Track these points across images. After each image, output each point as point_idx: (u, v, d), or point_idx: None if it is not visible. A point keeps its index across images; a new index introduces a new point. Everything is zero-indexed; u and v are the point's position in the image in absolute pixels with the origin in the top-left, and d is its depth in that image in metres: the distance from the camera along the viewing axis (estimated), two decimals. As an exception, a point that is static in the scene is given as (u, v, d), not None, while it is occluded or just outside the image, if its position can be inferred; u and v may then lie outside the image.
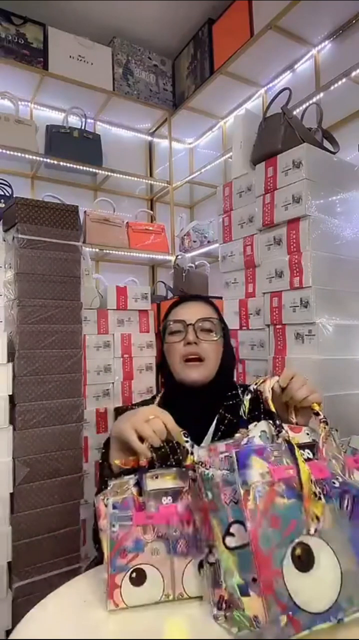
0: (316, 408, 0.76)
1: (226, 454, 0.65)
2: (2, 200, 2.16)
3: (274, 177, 1.49)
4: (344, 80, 1.87)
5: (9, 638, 0.64)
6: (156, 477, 0.74)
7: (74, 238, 1.51)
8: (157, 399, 1.07)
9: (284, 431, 0.68)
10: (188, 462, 0.74)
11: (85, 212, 2.39)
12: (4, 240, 1.52)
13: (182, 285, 2.48)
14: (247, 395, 0.75)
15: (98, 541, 0.79)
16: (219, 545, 0.63)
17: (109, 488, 0.73)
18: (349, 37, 1.97)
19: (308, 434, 0.72)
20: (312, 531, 0.60)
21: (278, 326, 1.48)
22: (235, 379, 1.65)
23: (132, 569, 0.69)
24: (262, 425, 0.70)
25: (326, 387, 1.32)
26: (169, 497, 0.73)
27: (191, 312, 1.04)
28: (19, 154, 2.30)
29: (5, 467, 1.33)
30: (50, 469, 1.41)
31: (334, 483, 0.65)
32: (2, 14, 2.37)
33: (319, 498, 0.62)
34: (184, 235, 2.72)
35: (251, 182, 1.62)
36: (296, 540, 0.59)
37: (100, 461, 0.97)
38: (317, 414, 0.75)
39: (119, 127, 2.93)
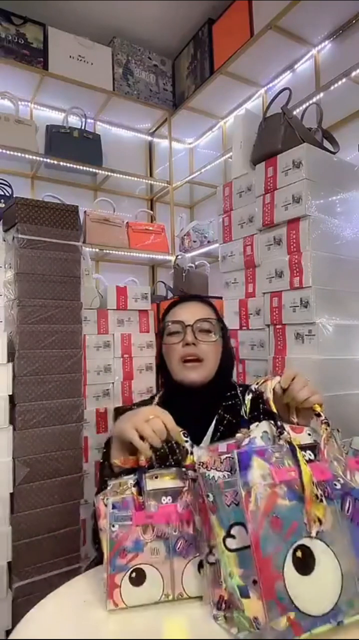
0: (318, 409, 0.76)
1: (228, 455, 0.65)
2: (2, 200, 2.16)
3: (274, 177, 1.49)
4: (344, 80, 1.87)
5: (9, 638, 0.64)
6: (156, 477, 0.74)
7: (74, 238, 1.51)
8: (156, 399, 1.07)
9: (286, 432, 0.68)
10: (188, 462, 0.74)
11: (85, 212, 2.39)
12: (4, 240, 1.52)
13: (182, 285, 2.48)
14: (248, 395, 0.75)
15: (98, 541, 0.79)
16: (220, 547, 0.63)
17: (108, 488, 0.73)
18: (349, 37, 1.97)
19: (309, 434, 0.72)
20: (313, 534, 0.60)
21: (278, 326, 1.48)
22: (235, 379, 1.66)
23: (131, 569, 0.69)
24: (264, 425, 0.70)
25: (326, 387, 1.32)
26: (169, 497, 0.73)
27: (190, 312, 1.04)
28: (19, 154, 2.30)
29: (5, 467, 1.33)
30: (50, 469, 1.41)
31: (335, 485, 0.65)
32: (2, 14, 2.37)
33: (321, 500, 0.62)
34: (184, 235, 2.72)
35: (251, 182, 1.62)
36: (297, 543, 0.59)
37: (101, 461, 0.97)
38: (318, 415, 0.75)
39: (119, 127, 2.92)
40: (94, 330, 1.84)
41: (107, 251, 2.48)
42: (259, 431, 0.69)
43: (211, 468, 0.66)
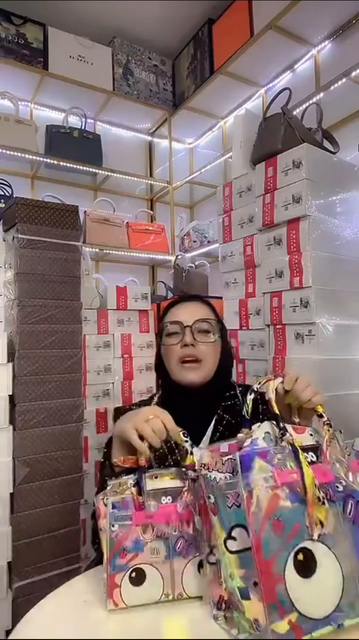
0: (320, 410, 0.75)
1: (229, 456, 0.64)
2: (2, 200, 2.16)
3: (274, 177, 1.49)
4: (344, 80, 1.87)
5: (9, 638, 0.64)
6: (156, 477, 0.75)
7: (74, 238, 1.51)
8: (155, 399, 1.07)
9: (288, 434, 0.67)
10: (188, 461, 0.74)
11: (85, 212, 2.39)
12: (4, 240, 1.52)
13: (182, 285, 2.48)
14: (250, 395, 0.74)
15: (97, 541, 0.79)
16: (221, 548, 0.63)
17: (108, 488, 0.73)
18: (349, 37, 1.97)
19: (311, 434, 0.71)
20: (315, 537, 0.60)
21: (278, 326, 1.48)
22: (235, 379, 1.66)
23: (131, 569, 0.69)
24: (266, 426, 0.69)
25: (326, 387, 1.32)
26: (169, 497, 0.73)
27: (188, 312, 1.03)
28: (19, 154, 2.30)
29: (5, 467, 1.33)
30: (50, 469, 1.41)
31: (337, 487, 0.64)
32: (2, 14, 2.37)
33: (323, 503, 0.61)
34: (184, 235, 2.72)
35: (251, 182, 1.62)
36: (299, 546, 0.59)
37: (102, 460, 0.97)
38: (321, 416, 0.74)
39: (119, 127, 2.92)
40: (94, 330, 1.84)
41: (107, 251, 2.48)
42: (261, 432, 0.68)
43: (212, 469, 0.66)
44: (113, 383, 1.87)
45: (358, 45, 1.93)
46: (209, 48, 2.52)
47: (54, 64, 2.44)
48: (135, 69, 2.74)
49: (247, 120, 1.76)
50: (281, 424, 0.69)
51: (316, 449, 0.68)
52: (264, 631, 0.56)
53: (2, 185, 2.23)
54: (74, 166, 2.48)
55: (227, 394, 1.03)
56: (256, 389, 0.76)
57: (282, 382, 0.78)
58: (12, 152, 2.28)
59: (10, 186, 2.25)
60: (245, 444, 0.66)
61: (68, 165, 2.47)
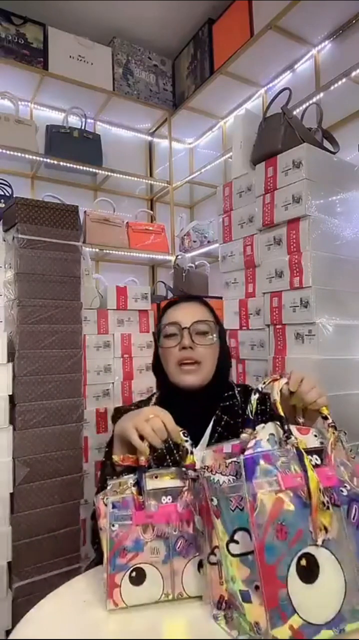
0: (325, 412, 0.75)
1: (233, 459, 0.64)
2: (2, 200, 2.16)
3: (274, 177, 1.49)
4: (344, 80, 1.87)
5: (9, 638, 0.64)
6: (156, 477, 0.75)
7: (74, 238, 1.51)
8: (154, 399, 1.07)
9: (293, 437, 0.67)
10: (188, 461, 0.74)
11: (85, 212, 2.39)
12: (4, 240, 1.52)
13: (182, 285, 2.48)
14: (254, 395, 0.74)
15: (97, 541, 0.79)
16: (223, 551, 0.62)
17: (108, 487, 0.73)
18: (349, 37, 1.97)
19: (315, 435, 0.70)
20: (319, 542, 0.59)
21: (278, 326, 1.48)
22: (235, 379, 1.66)
23: (131, 569, 0.69)
24: (270, 427, 0.68)
25: (326, 387, 1.31)
26: (169, 497, 0.73)
27: (186, 313, 1.02)
28: (19, 154, 2.30)
29: (5, 467, 1.33)
30: (50, 469, 1.41)
31: (342, 491, 0.64)
32: (2, 14, 2.37)
33: (328, 508, 0.61)
34: (184, 235, 2.72)
35: (251, 182, 1.62)
36: (302, 551, 0.59)
37: (103, 459, 0.97)
38: (326, 417, 0.74)
39: (119, 127, 2.92)
40: (94, 330, 1.84)
41: (107, 251, 2.48)
42: (265, 433, 0.67)
43: (215, 472, 0.65)
44: (113, 383, 1.87)
45: (358, 45, 1.93)
46: (209, 48, 2.52)
47: (54, 64, 2.44)
48: (135, 69, 2.74)
49: (247, 120, 1.76)
50: (286, 426, 0.68)
51: (320, 451, 0.68)
52: (264, 635, 0.56)
53: (2, 185, 2.23)
54: (74, 166, 2.48)
55: (226, 394, 1.03)
56: (260, 389, 0.75)
57: (287, 383, 0.77)
58: (12, 152, 2.28)
59: (10, 186, 2.25)
60: (249, 445, 0.65)
61: (68, 165, 2.47)
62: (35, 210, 1.44)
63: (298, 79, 2.22)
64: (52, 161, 2.41)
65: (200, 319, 1.01)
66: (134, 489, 0.72)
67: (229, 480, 0.63)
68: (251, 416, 0.72)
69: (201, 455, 0.74)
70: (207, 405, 1.00)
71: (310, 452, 0.66)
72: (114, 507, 0.71)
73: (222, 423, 0.98)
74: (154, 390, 1.13)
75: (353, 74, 1.83)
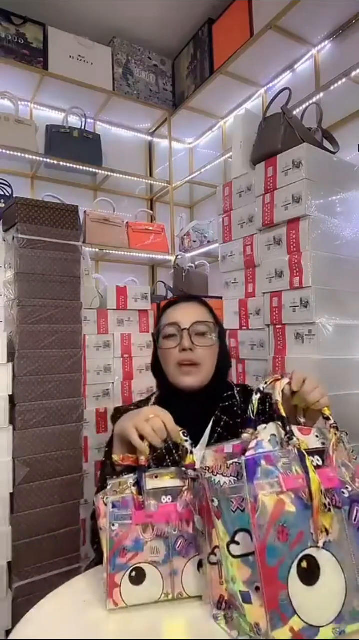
0: (327, 412, 0.74)
1: (235, 460, 0.64)
2: (2, 200, 2.16)
3: (274, 177, 1.49)
4: (344, 80, 1.87)
5: (9, 638, 0.64)
6: (156, 477, 0.75)
7: (74, 238, 1.51)
8: (153, 399, 1.07)
9: (295, 438, 0.66)
10: (188, 461, 0.74)
11: (85, 212, 2.39)
12: (4, 240, 1.52)
13: (182, 285, 2.48)
14: (256, 394, 0.74)
15: (97, 541, 0.79)
16: (224, 552, 0.62)
17: (108, 487, 0.73)
18: (349, 37, 1.97)
19: (317, 436, 0.70)
20: (320, 544, 0.59)
21: (278, 326, 1.48)
22: (235, 379, 1.66)
23: (131, 568, 0.69)
24: (272, 428, 0.68)
25: (326, 388, 1.31)
26: (169, 496, 0.73)
27: (186, 314, 1.01)
28: (19, 154, 2.30)
29: (5, 467, 1.33)
30: (50, 469, 1.41)
31: (343, 492, 0.64)
32: (2, 14, 2.37)
33: (329, 509, 0.61)
34: (184, 235, 2.72)
35: (251, 182, 1.62)
36: (303, 553, 0.59)
37: (103, 459, 0.97)
38: (328, 418, 0.73)
39: (119, 127, 2.92)
40: (94, 330, 1.84)
41: (107, 251, 2.48)
42: (267, 434, 0.67)
43: (216, 473, 0.65)
44: (113, 383, 1.87)
45: (358, 45, 1.93)
46: (209, 48, 2.52)
47: (54, 64, 2.44)
48: (135, 69, 2.74)
49: (247, 120, 1.76)
50: (288, 427, 0.68)
51: (322, 452, 0.67)
52: (265, 636, 0.56)
53: (2, 185, 2.23)
54: (74, 166, 2.48)
55: (225, 394, 1.03)
56: (262, 389, 0.74)
57: (289, 384, 0.76)
58: (12, 152, 2.28)
59: (10, 186, 2.25)
60: (250, 446, 0.65)
61: (68, 165, 2.47)
62: (35, 210, 1.44)
63: (298, 79, 2.22)
64: (52, 161, 2.41)
65: (200, 319, 1.01)
66: (134, 489, 0.72)
67: (230, 481, 0.63)
68: (252, 416, 0.72)
69: (200, 455, 0.74)
70: (206, 406, 1.00)
71: (311, 453, 0.66)
72: (114, 506, 0.71)
73: (222, 423, 0.98)
74: (154, 390, 1.13)
75: (353, 74, 1.83)
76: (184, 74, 2.79)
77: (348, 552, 0.61)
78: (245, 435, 0.69)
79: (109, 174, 2.63)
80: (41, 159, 2.40)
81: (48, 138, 2.48)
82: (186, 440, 0.76)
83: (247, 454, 0.64)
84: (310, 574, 0.58)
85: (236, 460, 0.64)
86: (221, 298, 1.79)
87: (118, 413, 0.96)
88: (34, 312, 1.40)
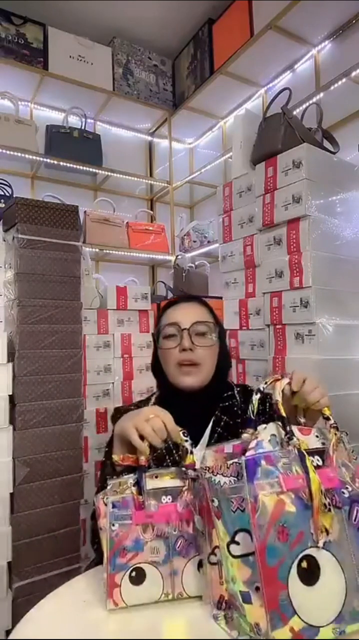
0: (327, 412, 0.74)
1: (235, 460, 0.64)
2: (2, 200, 2.16)
3: (274, 177, 1.49)
4: (344, 80, 1.87)
5: (9, 638, 0.64)
6: (156, 477, 0.75)
7: (74, 238, 1.51)
8: (153, 399, 1.07)
9: (295, 438, 0.66)
10: (188, 461, 0.74)
11: (85, 212, 2.39)
12: (4, 240, 1.52)
13: (182, 285, 2.48)
14: (256, 394, 0.74)
15: (97, 541, 0.79)
16: (224, 552, 0.62)
17: (108, 487, 0.73)
18: (349, 37, 1.97)
19: (317, 436, 0.70)
20: (320, 544, 0.59)
21: (278, 326, 1.48)
22: (235, 379, 1.66)
23: (131, 568, 0.69)
24: (272, 428, 0.68)
25: (326, 388, 1.31)
26: (169, 496, 0.73)
27: (186, 314, 1.01)
28: (19, 154, 2.30)
29: (5, 467, 1.33)
30: (50, 469, 1.41)
31: (343, 492, 0.64)
32: (2, 14, 2.37)
33: (329, 510, 0.61)
34: (184, 235, 2.72)
35: (251, 182, 1.62)
36: (303, 554, 0.59)
37: (103, 459, 0.97)
38: (328, 418, 0.73)
39: (119, 127, 2.92)
40: (94, 330, 1.84)
41: (107, 251, 2.48)
42: (267, 434, 0.67)
43: (216, 473, 0.65)
44: (113, 383, 1.87)
45: (358, 45, 1.93)
46: (209, 48, 2.52)
47: (54, 64, 2.44)
48: (135, 69, 2.74)
49: (247, 120, 1.76)
50: (288, 427, 0.68)
51: (321, 452, 0.67)
52: (265, 636, 0.56)
53: (2, 185, 2.23)
54: (74, 166, 2.48)
55: (225, 394, 1.03)
56: (262, 389, 0.74)
57: (289, 384, 0.76)
58: (12, 152, 2.28)
59: (10, 186, 2.25)
60: (250, 446, 0.65)
61: (68, 165, 2.47)
62: (35, 210, 1.44)
63: (298, 79, 2.22)
64: (52, 161, 2.41)
65: (200, 319, 1.01)
66: (134, 489, 0.72)
67: (230, 481, 0.63)
68: (252, 416, 0.72)
69: (200, 455, 0.74)
70: (206, 406, 1.00)
71: (311, 452, 0.66)
72: (114, 506, 0.71)
73: (222, 423, 0.98)
74: (154, 390, 1.13)
75: (353, 74, 1.83)
76: (184, 74, 2.79)
77: (348, 552, 0.61)
78: (245, 435, 0.68)
79: (109, 174, 2.63)
80: (41, 159, 2.40)
81: (48, 138, 2.48)
82: (186, 440, 0.76)
83: (247, 454, 0.64)
84: (310, 574, 0.58)
85: (236, 460, 0.64)
86: (221, 298, 1.79)
87: (118, 413, 0.96)
88: (34, 312, 1.40)
